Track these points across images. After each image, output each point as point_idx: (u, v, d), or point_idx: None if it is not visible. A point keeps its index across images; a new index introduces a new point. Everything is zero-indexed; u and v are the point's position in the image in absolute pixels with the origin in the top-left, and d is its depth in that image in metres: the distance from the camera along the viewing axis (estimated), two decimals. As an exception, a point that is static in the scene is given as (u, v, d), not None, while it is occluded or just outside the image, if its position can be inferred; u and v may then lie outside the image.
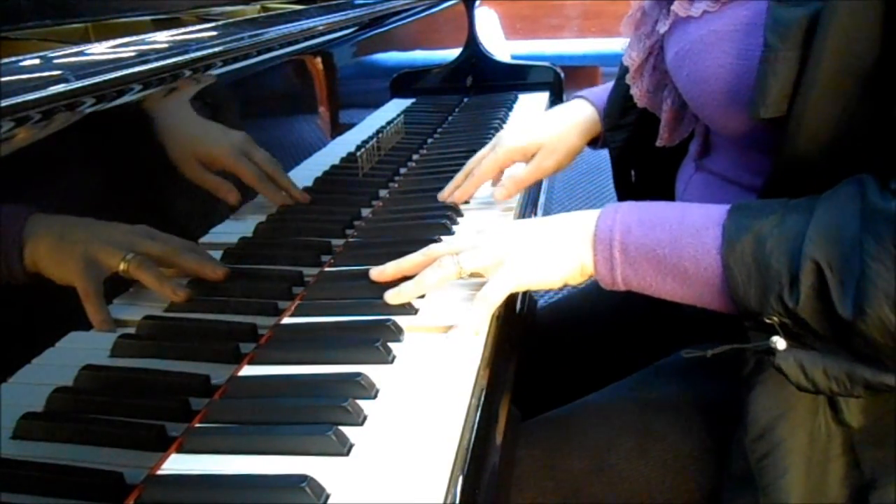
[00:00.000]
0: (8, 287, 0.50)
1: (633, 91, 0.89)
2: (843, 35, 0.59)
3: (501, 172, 1.04)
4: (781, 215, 0.61)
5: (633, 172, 1.03)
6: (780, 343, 0.60)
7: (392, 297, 0.74)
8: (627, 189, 1.04)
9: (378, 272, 0.77)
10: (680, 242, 0.65)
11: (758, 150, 0.74)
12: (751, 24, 0.67)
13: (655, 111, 0.89)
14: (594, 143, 1.07)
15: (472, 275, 0.74)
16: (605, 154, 1.08)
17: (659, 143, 0.89)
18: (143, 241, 0.64)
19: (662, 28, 0.80)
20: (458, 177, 1.03)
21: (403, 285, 0.74)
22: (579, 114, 1.04)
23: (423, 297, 0.76)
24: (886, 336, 0.56)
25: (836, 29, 0.59)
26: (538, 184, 1.10)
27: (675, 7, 0.76)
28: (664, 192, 0.92)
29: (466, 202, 1.03)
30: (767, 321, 0.60)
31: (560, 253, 0.70)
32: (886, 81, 0.59)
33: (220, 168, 0.78)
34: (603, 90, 1.05)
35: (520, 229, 0.74)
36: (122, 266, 0.61)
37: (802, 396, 0.64)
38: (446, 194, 1.02)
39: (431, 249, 0.75)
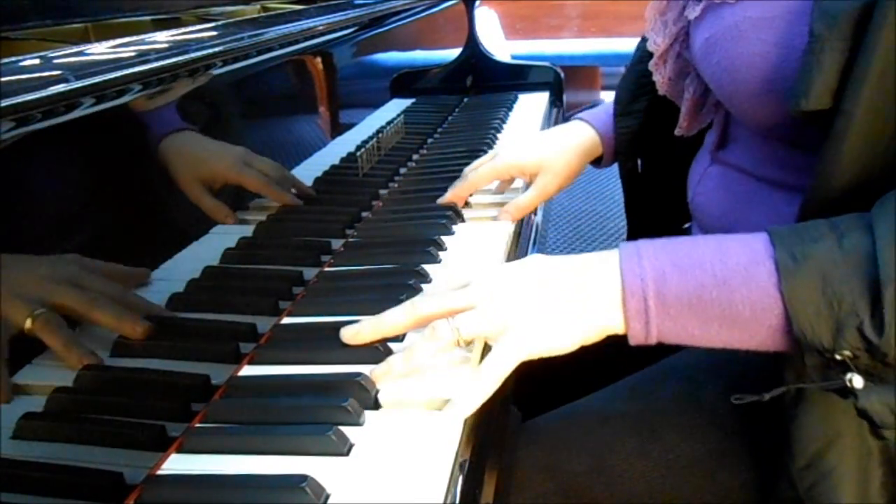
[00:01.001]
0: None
1: (656, 77, 0.88)
2: None
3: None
4: (837, 238, 0.56)
5: (639, 162, 1.03)
6: (857, 381, 0.55)
7: (380, 377, 0.62)
8: (632, 179, 1.04)
9: (353, 333, 0.65)
10: (728, 285, 0.58)
11: (781, 143, 0.72)
12: (793, 13, 0.65)
13: (675, 99, 0.88)
14: (596, 162, 1.06)
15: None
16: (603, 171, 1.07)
17: (678, 131, 0.87)
18: (59, 289, 0.55)
19: (692, 14, 0.77)
20: (458, 184, 1.02)
21: (391, 360, 0.63)
22: (579, 135, 1.03)
23: (429, 281, 0.75)
24: None
25: (893, 19, 0.55)
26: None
27: None
28: (670, 182, 0.92)
29: (467, 204, 1.03)
30: (839, 357, 0.55)
31: (579, 316, 0.61)
32: None
33: (224, 183, 0.77)
34: (603, 111, 1.04)
35: (526, 286, 0.63)
36: (27, 325, 0.52)
37: (850, 420, 0.61)
38: (446, 201, 1.01)
39: (417, 308, 0.64)
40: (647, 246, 0.62)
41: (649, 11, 0.86)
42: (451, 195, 1.01)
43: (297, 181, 0.91)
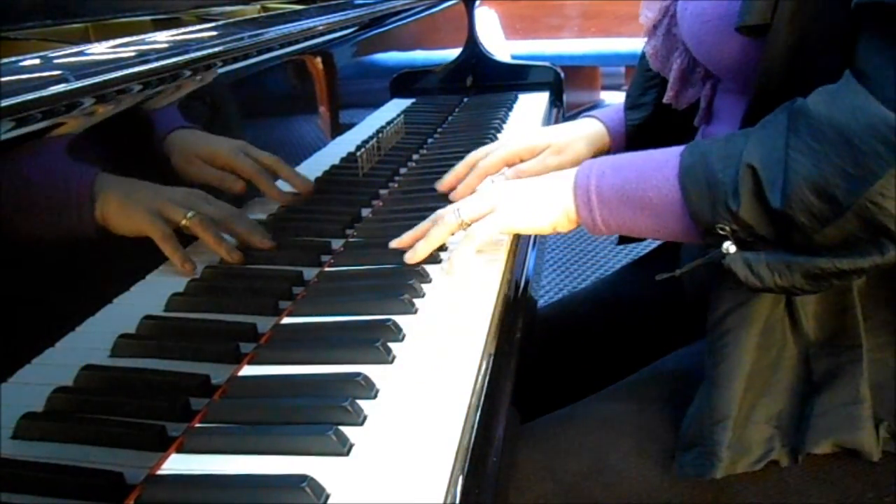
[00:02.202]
0: (8, 287, 0.51)
1: (646, 48, 0.94)
2: None
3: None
4: (728, 138, 0.67)
5: None
6: (731, 248, 0.66)
7: (409, 257, 0.81)
8: None
9: (397, 242, 0.84)
10: (645, 177, 0.71)
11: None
12: None
13: (665, 73, 0.93)
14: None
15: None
16: None
17: (665, 99, 0.92)
18: (203, 203, 0.71)
19: None
20: (459, 168, 1.01)
21: (417, 245, 0.81)
22: (589, 127, 1.07)
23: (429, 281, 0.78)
24: (811, 218, 0.61)
25: None
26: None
27: None
28: None
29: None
30: (720, 232, 0.66)
31: (546, 201, 0.77)
32: None
33: (220, 165, 0.80)
34: (612, 109, 1.08)
35: (514, 183, 0.83)
36: (184, 221, 0.68)
37: (759, 293, 0.70)
38: (445, 185, 1.01)
39: (437, 213, 0.83)
40: (604, 156, 0.79)
41: None
42: (462, 188, 0.99)
43: (294, 177, 0.92)
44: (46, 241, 0.55)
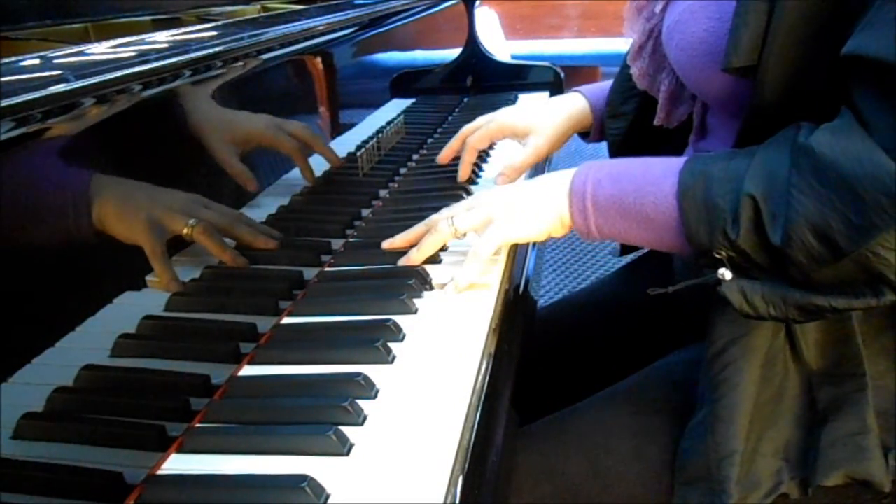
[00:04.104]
0: (8, 287, 0.51)
1: (633, 71, 0.93)
2: None
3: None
4: (728, 160, 0.67)
5: None
6: (726, 274, 0.66)
7: (402, 262, 0.81)
8: None
9: (389, 243, 0.85)
10: (643, 191, 0.71)
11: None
12: None
13: (654, 93, 0.92)
14: (585, 136, 1.11)
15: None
16: (601, 147, 1.11)
17: (656, 121, 0.92)
18: (202, 209, 0.70)
19: (658, 7, 0.85)
20: (454, 141, 1.08)
21: (411, 252, 0.81)
22: (572, 104, 1.09)
23: (428, 284, 0.78)
24: (809, 259, 0.61)
25: None
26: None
27: None
28: None
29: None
30: (717, 256, 0.65)
31: (541, 208, 0.76)
32: (835, 31, 0.64)
33: (257, 145, 0.84)
34: (598, 87, 1.10)
35: (506, 190, 0.81)
36: (185, 230, 0.67)
37: (760, 324, 0.70)
38: (444, 157, 1.09)
39: (431, 218, 0.83)
40: (600, 160, 0.77)
41: (627, 10, 0.92)
42: (462, 172, 1.07)
43: (328, 152, 1.00)
44: (46, 240, 0.55)
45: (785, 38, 0.65)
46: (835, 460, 0.69)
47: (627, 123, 1.03)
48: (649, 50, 0.90)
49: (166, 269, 0.65)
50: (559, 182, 0.76)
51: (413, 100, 1.45)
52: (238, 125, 0.83)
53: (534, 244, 0.97)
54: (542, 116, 1.07)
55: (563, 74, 1.78)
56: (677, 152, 0.92)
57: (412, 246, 0.82)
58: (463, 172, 1.07)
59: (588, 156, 1.15)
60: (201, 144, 0.76)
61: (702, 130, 0.87)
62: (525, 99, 1.70)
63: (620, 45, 0.94)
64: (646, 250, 1.08)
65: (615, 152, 1.05)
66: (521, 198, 0.78)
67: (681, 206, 0.67)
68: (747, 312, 0.66)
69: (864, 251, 0.59)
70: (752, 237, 0.63)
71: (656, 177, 0.70)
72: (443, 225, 0.79)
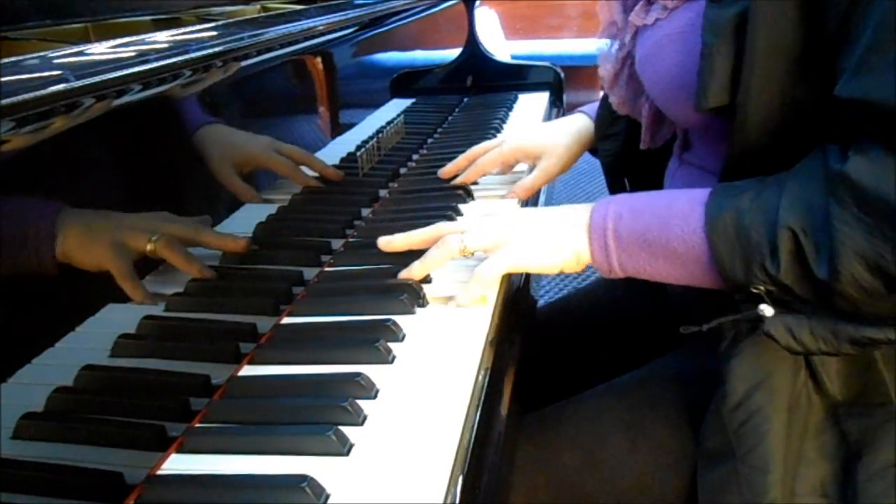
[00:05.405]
0: (9, 287, 0.51)
1: (612, 100, 0.93)
2: (769, 25, 0.64)
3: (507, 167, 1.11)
4: (757, 191, 0.64)
5: (627, 182, 1.05)
6: (767, 310, 0.64)
7: (403, 275, 0.77)
8: None
9: (386, 242, 0.81)
10: (668, 225, 0.68)
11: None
12: (695, 25, 0.70)
13: (636, 117, 0.92)
14: (595, 151, 1.11)
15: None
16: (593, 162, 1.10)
17: (642, 146, 0.91)
18: (165, 224, 0.68)
19: (627, 37, 0.85)
20: (461, 159, 1.08)
21: (412, 264, 0.77)
22: (578, 124, 1.10)
23: (428, 281, 0.79)
24: (861, 292, 0.59)
25: (762, 20, 0.63)
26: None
27: (631, 18, 0.81)
28: None
29: (469, 197, 1.04)
30: (755, 291, 0.63)
31: (557, 240, 0.73)
32: (812, 62, 0.64)
33: (254, 167, 0.84)
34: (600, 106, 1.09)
35: (524, 215, 0.78)
36: (149, 247, 0.64)
37: (780, 364, 0.68)
38: (445, 173, 1.08)
39: (440, 227, 0.79)
40: (620, 195, 0.74)
41: (598, 42, 0.92)
42: (462, 179, 1.07)
43: (325, 168, 0.98)
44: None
45: (761, 77, 0.64)
46: (876, 494, 0.67)
47: (619, 144, 1.02)
48: (625, 77, 0.89)
49: (137, 288, 0.64)
50: (578, 216, 0.73)
51: (413, 100, 1.45)
52: (237, 148, 0.83)
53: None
54: (553, 139, 1.07)
55: (563, 74, 1.78)
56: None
57: (411, 252, 0.79)
58: (458, 182, 1.06)
59: (586, 162, 1.16)
60: (200, 161, 0.76)
61: (685, 144, 0.87)
62: (525, 99, 1.70)
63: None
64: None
65: (610, 172, 1.05)
66: (539, 226, 0.75)
67: (710, 240, 0.65)
68: (795, 349, 0.64)
69: None
70: (794, 271, 0.61)
71: (681, 210, 0.68)
72: (452, 240, 0.75)
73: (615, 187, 1.05)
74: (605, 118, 1.04)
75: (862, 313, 0.61)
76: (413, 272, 0.77)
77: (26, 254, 0.53)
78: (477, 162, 1.06)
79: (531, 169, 1.08)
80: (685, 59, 0.72)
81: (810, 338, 0.63)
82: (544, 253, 0.73)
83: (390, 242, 0.81)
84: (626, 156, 1.01)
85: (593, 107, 1.10)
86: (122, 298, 0.62)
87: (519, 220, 0.76)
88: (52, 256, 0.55)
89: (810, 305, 0.62)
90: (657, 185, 0.94)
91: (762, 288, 0.63)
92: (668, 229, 0.68)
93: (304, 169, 0.96)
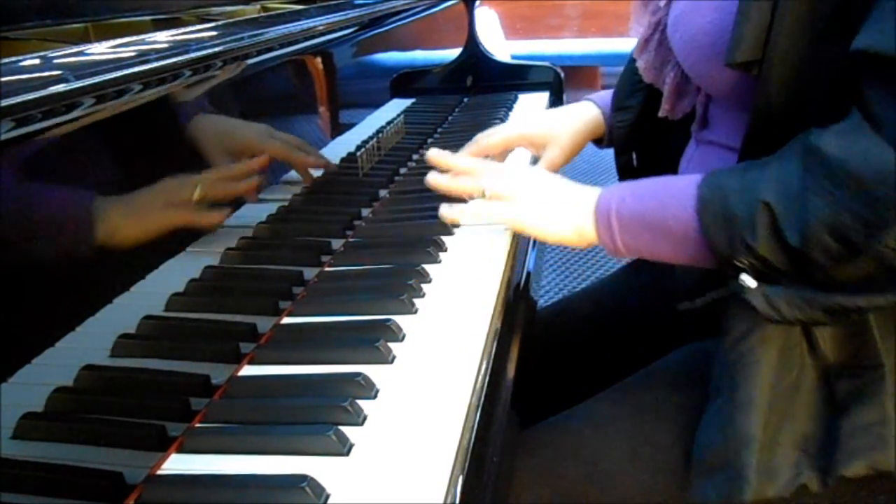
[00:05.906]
0: (9, 287, 0.51)
1: (639, 64, 0.94)
2: None
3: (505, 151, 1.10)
4: (744, 171, 0.68)
5: (634, 157, 1.07)
6: (749, 281, 0.67)
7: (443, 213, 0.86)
8: (628, 173, 1.08)
9: (436, 154, 0.90)
10: (665, 205, 0.72)
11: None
12: None
13: (659, 86, 0.93)
14: (599, 142, 1.11)
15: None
16: (605, 154, 1.11)
17: (661, 113, 0.92)
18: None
19: (663, 1, 0.86)
20: (469, 146, 1.06)
21: (442, 206, 0.86)
22: (586, 113, 1.09)
23: (429, 281, 0.79)
24: (829, 259, 0.62)
25: None
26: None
27: None
28: (664, 175, 0.94)
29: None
30: (739, 265, 0.67)
31: (558, 214, 0.78)
32: (841, 26, 0.64)
33: (250, 154, 0.85)
34: (608, 94, 1.10)
35: (542, 179, 0.83)
36: (196, 195, 0.70)
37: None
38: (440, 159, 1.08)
39: (470, 166, 0.87)
40: (623, 183, 0.79)
41: (633, 5, 0.93)
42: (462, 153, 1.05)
43: (319, 158, 1.00)
44: (47, 241, 0.55)
45: (789, 36, 0.66)
46: (855, 449, 0.69)
47: (633, 116, 1.03)
48: (655, 43, 0.90)
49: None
50: (587, 196, 0.78)
51: (413, 100, 1.45)
52: (233, 136, 0.83)
53: (534, 244, 0.97)
54: (559, 126, 1.07)
55: (563, 74, 1.78)
56: (682, 144, 0.93)
57: (408, 259, 0.82)
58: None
59: (585, 161, 1.16)
60: (198, 152, 0.76)
61: (704, 121, 0.88)
62: (525, 99, 1.70)
63: (620, 45, 0.96)
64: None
65: (620, 145, 1.06)
66: (549, 195, 0.79)
67: (701, 220, 0.68)
68: (772, 317, 0.66)
69: (880, 247, 0.60)
70: (770, 242, 0.64)
71: (678, 191, 0.72)
72: (471, 181, 0.83)
73: (623, 161, 1.07)
74: (626, 88, 1.05)
75: (834, 281, 0.64)
76: (441, 186, 0.87)
77: (69, 227, 0.56)
78: (481, 143, 1.05)
79: (535, 160, 1.09)
80: (719, 18, 0.74)
81: (786, 306, 0.66)
82: (541, 222, 0.79)
83: (438, 156, 0.90)
84: (639, 129, 1.03)
85: (601, 95, 1.10)
86: (128, 288, 0.62)
87: (536, 183, 0.82)
88: (97, 237, 0.58)
89: (788, 276, 0.66)
90: (664, 160, 0.96)
91: (745, 261, 0.66)
92: (665, 209, 0.72)
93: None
